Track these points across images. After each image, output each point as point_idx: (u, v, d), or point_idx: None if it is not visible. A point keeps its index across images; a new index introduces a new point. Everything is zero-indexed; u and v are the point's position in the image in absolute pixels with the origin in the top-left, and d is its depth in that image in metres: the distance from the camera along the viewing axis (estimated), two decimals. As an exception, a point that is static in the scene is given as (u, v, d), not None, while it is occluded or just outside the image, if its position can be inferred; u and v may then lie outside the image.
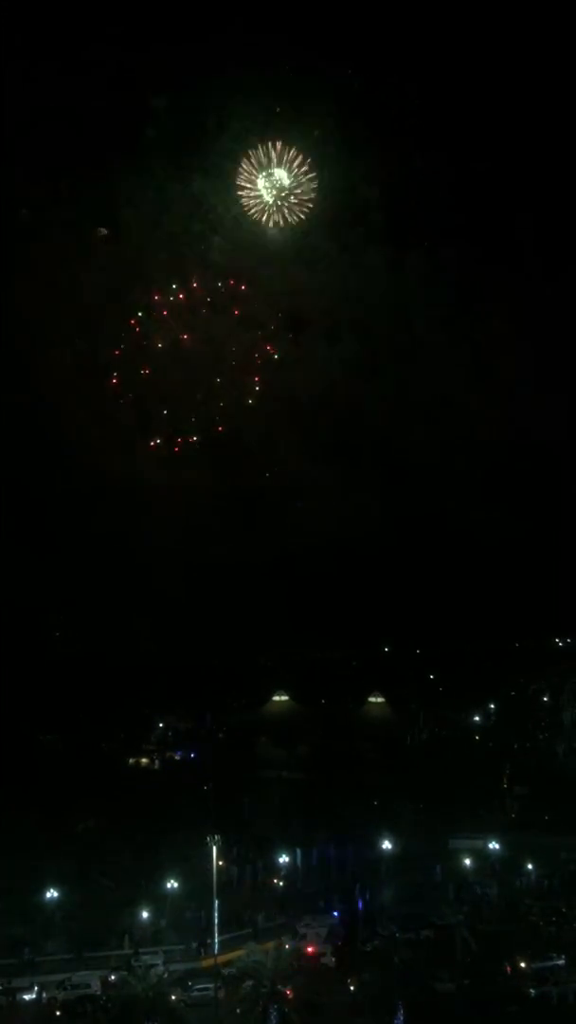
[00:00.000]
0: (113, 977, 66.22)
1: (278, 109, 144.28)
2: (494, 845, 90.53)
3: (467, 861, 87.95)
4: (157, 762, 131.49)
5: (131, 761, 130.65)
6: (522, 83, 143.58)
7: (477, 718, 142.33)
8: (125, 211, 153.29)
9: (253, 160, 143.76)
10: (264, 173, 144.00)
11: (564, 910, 79.10)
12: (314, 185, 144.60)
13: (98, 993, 65.06)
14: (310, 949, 70.47)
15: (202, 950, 71.90)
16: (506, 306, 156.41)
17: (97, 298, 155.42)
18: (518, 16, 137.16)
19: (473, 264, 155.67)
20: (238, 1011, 59.73)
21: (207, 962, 68.95)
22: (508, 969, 66.67)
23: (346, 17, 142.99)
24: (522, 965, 66.52)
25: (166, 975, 64.69)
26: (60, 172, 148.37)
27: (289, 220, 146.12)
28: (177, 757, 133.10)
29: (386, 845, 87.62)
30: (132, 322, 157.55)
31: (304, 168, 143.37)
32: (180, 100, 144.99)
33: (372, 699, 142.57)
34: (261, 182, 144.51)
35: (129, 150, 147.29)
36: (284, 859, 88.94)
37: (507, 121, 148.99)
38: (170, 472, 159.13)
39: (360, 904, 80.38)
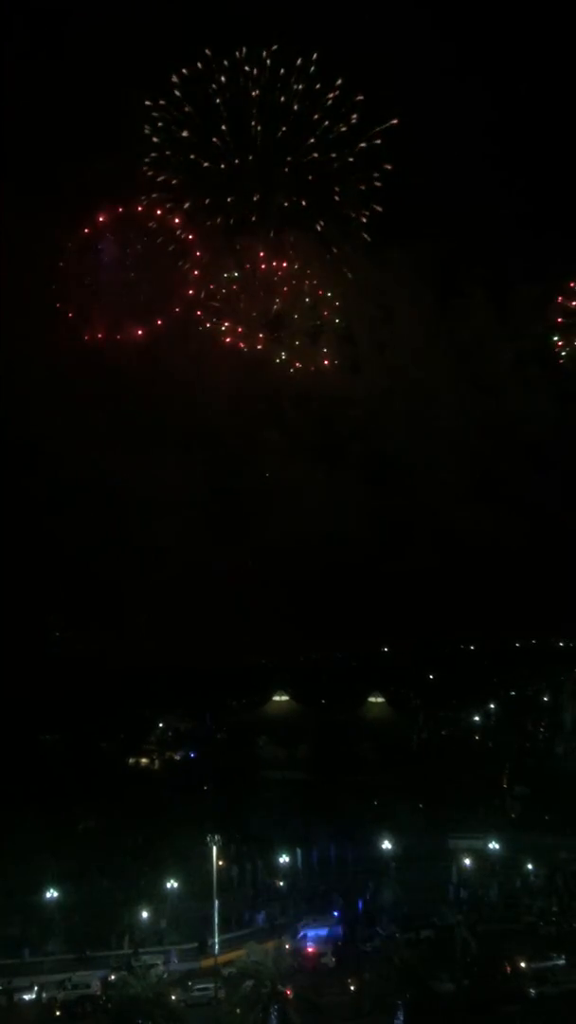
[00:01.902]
0: (113, 977, 66.19)
1: None
2: (494, 845, 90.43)
3: (467, 861, 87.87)
4: (157, 762, 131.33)
5: (131, 761, 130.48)
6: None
7: (477, 718, 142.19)
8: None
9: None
10: None
11: (564, 910, 79.20)
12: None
13: (98, 993, 65.09)
14: (310, 949, 70.58)
15: (206, 949, 71.90)
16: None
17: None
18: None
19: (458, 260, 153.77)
20: (238, 1011, 59.71)
21: (207, 962, 68.98)
22: (508, 969, 66.67)
23: None
24: (522, 965, 66.51)
25: (166, 975, 64.74)
26: None
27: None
28: (177, 757, 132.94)
29: (386, 845, 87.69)
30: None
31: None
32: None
33: (372, 699, 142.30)
34: None
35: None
36: (284, 859, 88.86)
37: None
38: (169, 472, 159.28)
39: (360, 904, 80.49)
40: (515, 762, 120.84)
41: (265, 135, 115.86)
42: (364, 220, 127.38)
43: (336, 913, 77.94)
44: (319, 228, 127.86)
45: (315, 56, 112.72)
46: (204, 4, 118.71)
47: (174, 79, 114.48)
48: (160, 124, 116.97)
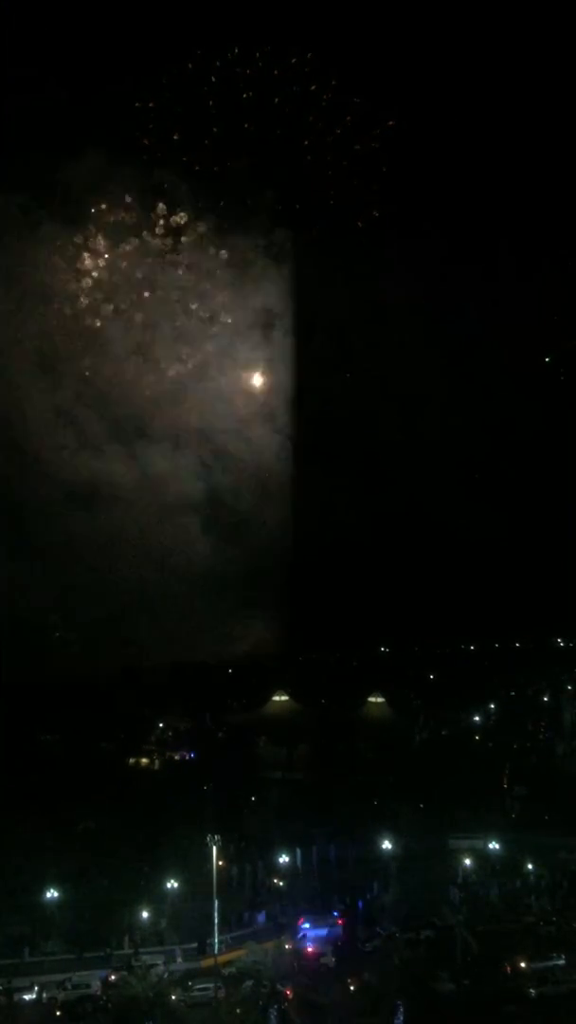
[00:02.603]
0: (113, 977, 66.28)
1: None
2: (494, 845, 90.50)
3: (467, 861, 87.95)
4: (157, 762, 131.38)
5: (131, 761, 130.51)
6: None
7: (477, 718, 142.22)
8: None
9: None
10: None
11: (564, 910, 79.24)
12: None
13: (98, 993, 65.16)
14: (310, 949, 70.63)
15: (206, 949, 71.96)
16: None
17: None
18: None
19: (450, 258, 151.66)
20: (238, 1011, 59.79)
21: (207, 962, 69.04)
22: (508, 969, 66.74)
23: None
24: (522, 965, 66.59)
25: (166, 975, 64.84)
26: None
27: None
28: (177, 757, 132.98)
29: (386, 845, 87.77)
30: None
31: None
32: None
33: (372, 699, 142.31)
34: None
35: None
36: (284, 859, 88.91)
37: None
38: (167, 472, 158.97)
39: (360, 904, 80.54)
40: (515, 762, 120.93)
41: (259, 137, 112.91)
42: (360, 224, 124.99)
43: (336, 913, 78.03)
44: (314, 231, 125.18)
45: (310, 56, 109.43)
46: (196, 3, 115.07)
47: (164, 80, 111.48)
48: (151, 126, 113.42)
